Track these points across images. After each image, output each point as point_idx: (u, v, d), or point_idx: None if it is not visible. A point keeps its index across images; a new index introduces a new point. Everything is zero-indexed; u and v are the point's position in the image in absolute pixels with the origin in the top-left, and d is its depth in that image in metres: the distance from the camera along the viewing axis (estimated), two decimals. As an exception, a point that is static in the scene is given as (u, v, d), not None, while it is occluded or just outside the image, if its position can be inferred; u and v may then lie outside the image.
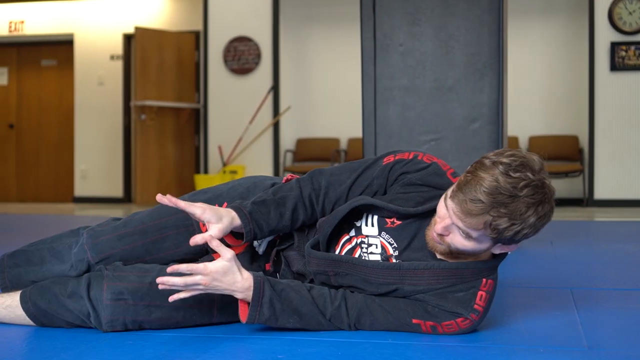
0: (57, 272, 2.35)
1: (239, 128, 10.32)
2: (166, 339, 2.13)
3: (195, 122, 10.91)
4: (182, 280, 2.03)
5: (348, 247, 2.24)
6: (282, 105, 10.36)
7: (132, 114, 10.71)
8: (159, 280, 2.04)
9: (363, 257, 2.20)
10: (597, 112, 9.11)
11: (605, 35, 9.12)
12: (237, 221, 2.16)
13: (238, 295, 2.10)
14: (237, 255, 2.20)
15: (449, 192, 2.02)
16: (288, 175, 2.42)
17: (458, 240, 2.03)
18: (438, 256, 2.14)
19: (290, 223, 2.24)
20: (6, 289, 2.40)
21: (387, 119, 4.17)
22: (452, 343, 2.06)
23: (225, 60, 10.41)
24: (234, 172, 10.06)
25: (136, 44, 10.27)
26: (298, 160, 10.49)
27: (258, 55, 10.31)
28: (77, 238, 2.37)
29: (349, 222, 2.24)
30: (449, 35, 4.12)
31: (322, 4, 10.48)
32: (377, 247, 2.21)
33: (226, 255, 2.06)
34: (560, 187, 9.63)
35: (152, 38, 10.37)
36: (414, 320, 2.14)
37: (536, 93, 9.81)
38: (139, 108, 10.20)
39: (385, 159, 2.25)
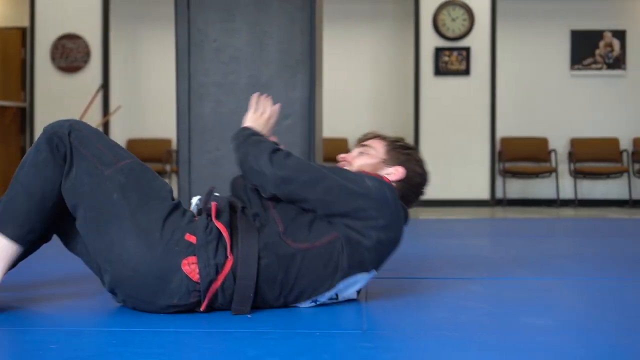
0: None
1: (67, 128, 10.00)
2: None
3: (21, 121, 10.51)
4: None
5: None
6: (113, 105, 10.14)
7: (-48, 112, 10.23)
8: None
9: None
10: (422, 115, 9.42)
11: (429, 41, 9.44)
12: None
13: None
14: None
15: None
16: None
17: None
18: None
19: None
20: None
21: (201, 116, 4.13)
22: (241, 330, 2.07)
23: (53, 58, 10.09)
24: (61, 173, 9.76)
25: (-44, 39, 9.81)
26: (129, 161, 10.27)
27: (87, 54, 10.05)
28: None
29: None
30: (263, 32, 4.13)
31: (153, 3, 10.33)
32: None
33: None
34: (388, 187, 9.88)
35: (-26, 33, 9.94)
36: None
37: (364, 96, 10.04)
38: (-41, 106, 9.75)
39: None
